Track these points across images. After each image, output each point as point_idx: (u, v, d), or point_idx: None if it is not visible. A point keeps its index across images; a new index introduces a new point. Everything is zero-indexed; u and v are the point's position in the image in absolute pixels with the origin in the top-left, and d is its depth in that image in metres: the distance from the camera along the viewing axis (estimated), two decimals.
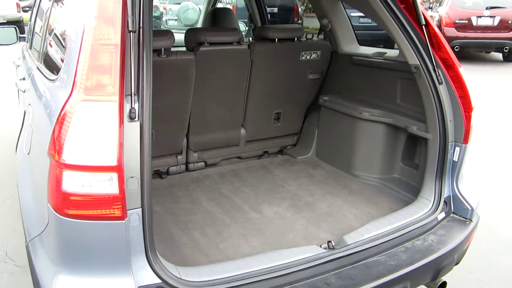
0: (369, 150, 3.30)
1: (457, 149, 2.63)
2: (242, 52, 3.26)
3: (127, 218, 1.74)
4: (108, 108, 1.68)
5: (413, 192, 2.84)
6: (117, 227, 1.73)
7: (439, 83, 2.58)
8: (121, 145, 1.69)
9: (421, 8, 2.59)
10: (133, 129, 1.79)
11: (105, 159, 1.66)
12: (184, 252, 2.41)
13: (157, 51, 2.87)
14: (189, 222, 2.73)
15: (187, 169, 3.59)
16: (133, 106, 1.79)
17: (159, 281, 1.84)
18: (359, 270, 2.15)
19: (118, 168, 1.68)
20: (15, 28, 4.31)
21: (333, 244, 2.22)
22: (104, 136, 1.67)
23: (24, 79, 3.26)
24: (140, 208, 1.81)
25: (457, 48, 11.47)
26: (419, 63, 2.61)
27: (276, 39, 3.37)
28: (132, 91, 1.80)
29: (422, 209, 2.59)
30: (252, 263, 2.05)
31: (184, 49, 3.23)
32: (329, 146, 3.68)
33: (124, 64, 1.76)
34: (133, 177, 1.77)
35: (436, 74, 2.58)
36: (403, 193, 3.02)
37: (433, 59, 2.59)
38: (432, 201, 2.63)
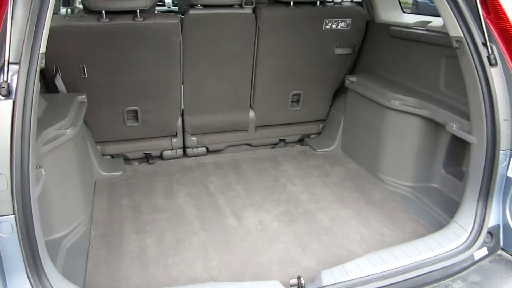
0: (399, 149, 2.55)
1: None
2: (245, 18, 2.64)
3: None
4: None
5: (452, 211, 2.07)
6: None
7: (491, 65, 1.79)
8: None
9: None
10: (2, 110, 1.32)
11: None
12: (123, 263, 1.93)
13: (132, 13, 2.37)
14: (150, 222, 2.25)
15: (185, 154, 3.11)
16: (5, 79, 1.32)
17: None
18: None
19: None
20: None
21: (303, 283, 1.61)
22: None
23: None
24: (13, 216, 1.36)
25: None
26: (462, 35, 1.83)
27: (291, 2, 2.69)
28: (7, 59, 1.32)
29: (452, 240, 1.85)
30: None
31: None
32: (355, 139, 2.96)
33: None
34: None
35: (487, 52, 1.79)
36: (438, 211, 2.27)
37: (484, 30, 1.79)
38: (470, 230, 1.88)
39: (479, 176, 1.89)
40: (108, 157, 2.95)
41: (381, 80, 2.74)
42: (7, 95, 1.35)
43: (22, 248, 1.39)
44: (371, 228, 2.20)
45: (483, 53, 1.78)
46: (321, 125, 3.31)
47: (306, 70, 2.98)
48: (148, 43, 2.48)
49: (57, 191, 2.02)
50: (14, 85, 1.35)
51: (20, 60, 1.36)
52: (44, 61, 1.46)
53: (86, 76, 2.52)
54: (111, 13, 2.37)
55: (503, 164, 1.86)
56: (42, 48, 1.41)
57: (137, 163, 2.99)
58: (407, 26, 2.57)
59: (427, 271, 1.71)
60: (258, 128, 3.18)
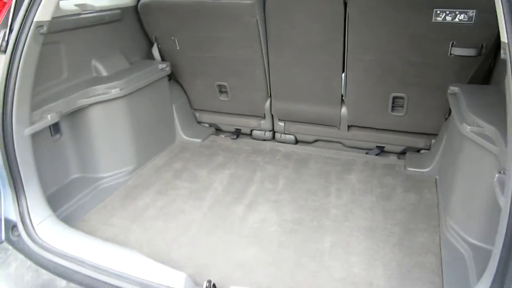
0: (468, 193, 1.87)
1: None
2: (331, 2, 2.35)
3: None
4: None
5: None
6: None
7: None
8: None
9: None
10: None
11: None
12: (122, 212, 2.19)
13: None
14: (176, 189, 2.41)
15: (273, 138, 3.07)
16: (5, 39, 1.69)
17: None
18: None
19: None
20: None
21: (213, 285, 1.52)
22: None
23: None
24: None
25: None
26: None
27: None
28: (9, 24, 1.67)
29: None
30: (105, 254, 1.69)
31: None
32: (446, 165, 2.29)
33: None
34: None
35: None
36: None
37: None
38: None
39: None
40: (206, 124, 3.22)
41: (494, 95, 2.03)
42: (4, 52, 1.72)
43: (8, 172, 1.79)
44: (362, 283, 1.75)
45: None
46: (432, 140, 2.67)
47: (411, 70, 2.44)
48: (225, 21, 2.55)
49: (103, 139, 2.41)
50: (10, 45, 1.72)
51: (19, 26, 1.71)
52: (45, 29, 1.77)
53: (178, 48, 2.80)
54: None
55: None
56: (37, 17, 1.72)
57: (223, 136, 3.15)
58: None
59: None
60: (352, 127, 2.83)
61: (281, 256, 1.86)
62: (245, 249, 1.91)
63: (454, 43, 2.25)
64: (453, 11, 2.17)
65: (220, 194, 2.34)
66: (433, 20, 2.22)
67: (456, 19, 2.18)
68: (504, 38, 1.23)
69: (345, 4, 2.33)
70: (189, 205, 2.25)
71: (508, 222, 1.21)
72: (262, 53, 2.65)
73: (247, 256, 1.86)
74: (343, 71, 2.59)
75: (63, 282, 1.66)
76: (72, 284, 1.64)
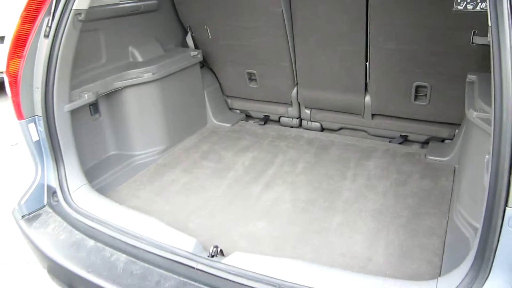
0: (475, 178, 1.89)
1: None
2: None
3: None
4: None
5: None
6: None
7: None
8: None
9: None
10: (42, 46, 1.93)
11: None
12: (149, 186, 2.39)
13: None
14: (201, 168, 2.58)
15: (300, 125, 3.18)
16: (49, 25, 1.92)
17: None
18: None
19: None
20: None
21: (220, 251, 1.67)
22: None
23: None
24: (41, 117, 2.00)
25: None
26: None
27: None
28: (52, 11, 1.90)
29: None
30: (124, 217, 1.90)
31: None
32: (462, 152, 2.30)
33: None
34: None
35: None
36: None
37: None
38: None
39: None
40: (237, 111, 3.37)
41: None
42: (47, 36, 1.96)
43: (50, 143, 2.03)
44: (363, 254, 1.84)
45: None
46: (456, 130, 2.66)
47: (433, 60, 2.45)
48: (252, 11, 2.68)
49: (136, 120, 2.63)
50: (52, 30, 1.95)
51: (60, 14, 1.93)
52: (83, 16, 1.98)
53: (210, 37, 2.97)
54: None
55: None
56: (76, 6, 1.93)
57: (252, 121, 3.29)
58: None
59: None
60: (376, 116, 2.87)
61: (288, 231, 1.98)
62: (255, 223, 2.04)
63: (476, 32, 2.25)
64: (474, 0, 2.17)
65: (241, 174, 2.49)
66: (454, 9, 2.23)
67: (478, 8, 2.18)
68: (489, 21, 1.27)
69: None
70: (210, 183, 2.42)
71: (487, 199, 1.26)
72: (287, 42, 2.76)
73: (256, 229, 2.00)
74: (366, 60, 2.65)
75: (91, 242, 1.87)
76: (98, 244, 1.85)
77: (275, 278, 1.50)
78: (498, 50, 1.18)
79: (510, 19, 1.17)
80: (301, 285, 1.46)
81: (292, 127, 3.18)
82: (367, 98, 2.80)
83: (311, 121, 3.10)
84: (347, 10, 2.49)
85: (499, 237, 1.25)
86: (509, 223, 1.23)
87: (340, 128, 3.05)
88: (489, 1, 1.23)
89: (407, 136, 2.83)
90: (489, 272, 1.29)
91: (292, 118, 3.16)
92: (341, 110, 2.95)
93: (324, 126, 3.08)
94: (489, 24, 1.24)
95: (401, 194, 2.22)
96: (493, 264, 1.28)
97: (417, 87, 2.60)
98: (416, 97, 2.65)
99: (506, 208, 1.22)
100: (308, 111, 3.07)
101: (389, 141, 2.87)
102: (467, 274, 1.34)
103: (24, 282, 2.66)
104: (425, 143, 2.80)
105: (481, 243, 1.30)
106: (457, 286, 1.35)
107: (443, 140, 2.75)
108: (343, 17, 2.53)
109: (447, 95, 2.56)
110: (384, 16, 2.41)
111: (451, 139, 2.70)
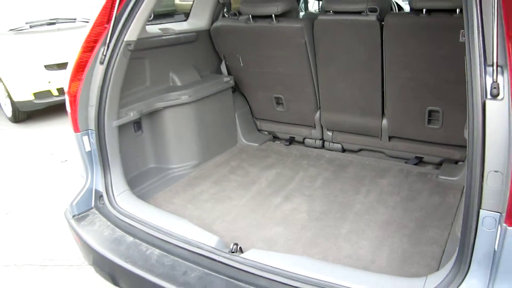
0: None
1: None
2: (369, 24, 2.69)
3: None
4: None
5: None
6: None
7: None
8: None
9: None
10: (97, 73, 2.30)
11: None
12: (181, 195, 2.70)
13: (270, 17, 2.94)
14: (228, 181, 2.87)
15: (323, 147, 3.42)
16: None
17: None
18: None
19: None
20: None
21: (239, 248, 1.92)
22: None
23: None
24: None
25: None
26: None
27: (424, 10, 2.50)
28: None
29: None
30: (159, 218, 2.20)
31: None
32: None
33: None
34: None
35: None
36: None
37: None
38: None
39: None
40: (265, 132, 3.66)
41: None
42: (102, 63, 2.33)
43: (100, 153, 2.38)
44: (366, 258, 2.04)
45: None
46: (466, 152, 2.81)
47: (445, 87, 2.66)
48: (279, 42, 2.99)
49: (173, 136, 2.96)
50: (107, 58, 2.32)
51: (113, 44, 2.31)
52: (132, 46, 2.35)
53: (242, 65, 3.30)
54: (256, 17, 3.02)
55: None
56: (127, 37, 2.31)
57: (278, 142, 3.56)
58: None
59: None
60: (393, 138, 3.08)
61: (301, 235, 2.21)
62: (272, 228, 2.29)
63: None
64: None
65: (263, 188, 2.75)
66: (460, 40, 2.45)
67: None
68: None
69: (381, 28, 2.65)
70: (236, 194, 2.69)
71: (465, 204, 1.46)
72: (311, 70, 3.04)
73: (273, 233, 2.25)
74: (382, 87, 2.88)
75: (130, 238, 2.17)
76: (136, 240, 2.14)
77: (285, 271, 1.74)
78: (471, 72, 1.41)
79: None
80: (305, 276, 1.69)
81: (315, 147, 3.43)
82: (384, 122, 3.02)
83: (333, 142, 3.34)
84: (364, 41, 2.76)
85: (475, 236, 1.44)
86: (483, 224, 1.42)
87: (360, 150, 3.27)
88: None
89: (422, 157, 3.01)
90: (468, 268, 1.47)
91: (316, 139, 3.41)
92: (360, 132, 3.18)
93: (345, 147, 3.31)
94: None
95: (409, 208, 2.41)
96: (472, 261, 1.46)
97: (430, 111, 2.80)
98: (429, 121, 2.85)
99: (480, 210, 1.41)
100: (330, 133, 3.32)
101: (405, 162, 3.06)
102: (451, 270, 1.53)
103: (67, 283, 3.00)
104: (439, 165, 2.97)
105: (462, 243, 1.49)
106: (442, 281, 1.53)
107: (456, 162, 2.92)
108: (360, 48, 2.79)
109: (458, 119, 2.74)
110: (398, 47, 2.66)
111: (463, 161, 2.86)
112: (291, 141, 3.51)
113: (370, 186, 2.69)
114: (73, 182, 2.51)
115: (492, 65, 1.37)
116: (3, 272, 3.12)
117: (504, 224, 1.36)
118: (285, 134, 3.56)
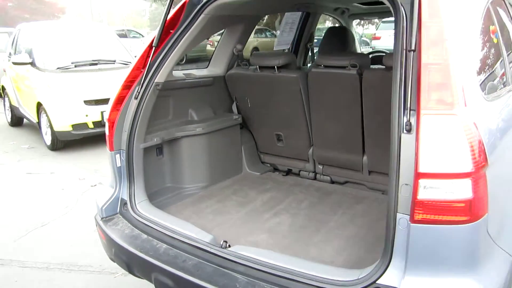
0: None
1: None
2: (351, 78, 3.30)
3: None
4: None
5: None
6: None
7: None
8: None
9: None
10: (132, 106, 2.98)
11: None
12: (185, 211, 3.27)
13: (274, 68, 3.60)
14: (229, 200, 3.43)
15: (315, 178, 3.96)
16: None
17: None
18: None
19: None
20: None
21: (228, 245, 2.45)
22: None
23: None
24: (125, 151, 3.02)
25: None
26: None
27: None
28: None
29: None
30: (171, 222, 2.76)
31: None
32: None
33: None
34: None
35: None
36: None
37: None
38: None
39: None
40: (268, 164, 4.25)
41: None
42: (136, 98, 3.01)
43: (127, 169, 3.01)
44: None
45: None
46: None
47: None
48: (280, 88, 3.64)
49: (187, 161, 3.59)
50: (140, 95, 2.99)
51: (146, 84, 2.99)
52: (160, 86, 3.03)
53: (250, 106, 3.95)
54: (263, 67, 3.69)
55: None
56: (158, 79, 2.98)
57: (277, 173, 4.13)
58: None
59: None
60: (372, 172, 3.61)
61: (280, 241, 2.75)
62: (259, 235, 2.84)
63: None
64: None
65: (258, 206, 3.31)
66: None
67: None
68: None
69: (361, 80, 3.26)
70: (234, 209, 3.26)
71: (387, 208, 1.98)
72: (305, 112, 3.65)
73: (258, 238, 2.79)
74: (362, 127, 3.46)
75: (145, 235, 2.73)
76: (149, 237, 2.71)
77: (258, 260, 2.27)
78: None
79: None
80: (271, 263, 2.21)
81: (308, 179, 3.98)
82: (365, 158, 3.57)
83: (323, 174, 3.88)
84: (347, 90, 3.36)
85: (394, 234, 1.95)
86: (399, 223, 1.94)
87: (346, 182, 3.80)
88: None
89: None
90: (390, 260, 1.97)
91: (309, 171, 3.97)
92: (346, 166, 3.73)
93: (333, 180, 3.85)
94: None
95: (374, 227, 2.91)
96: (393, 254, 1.96)
97: None
98: None
99: (397, 213, 1.94)
100: (320, 167, 3.87)
101: (382, 193, 3.57)
102: (379, 262, 2.03)
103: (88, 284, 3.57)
104: None
105: (386, 240, 2.00)
106: (371, 270, 2.03)
107: None
108: (344, 95, 3.40)
109: None
110: (373, 95, 3.25)
111: None
112: (288, 172, 4.08)
113: (346, 210, 3.22)
114: (104, 191, 3.13)
115: (408, 109, 1.95)
116: (37, 273, 3.77)
117: (409, 222, 1.88)
118: (284, 166, 4.14)
